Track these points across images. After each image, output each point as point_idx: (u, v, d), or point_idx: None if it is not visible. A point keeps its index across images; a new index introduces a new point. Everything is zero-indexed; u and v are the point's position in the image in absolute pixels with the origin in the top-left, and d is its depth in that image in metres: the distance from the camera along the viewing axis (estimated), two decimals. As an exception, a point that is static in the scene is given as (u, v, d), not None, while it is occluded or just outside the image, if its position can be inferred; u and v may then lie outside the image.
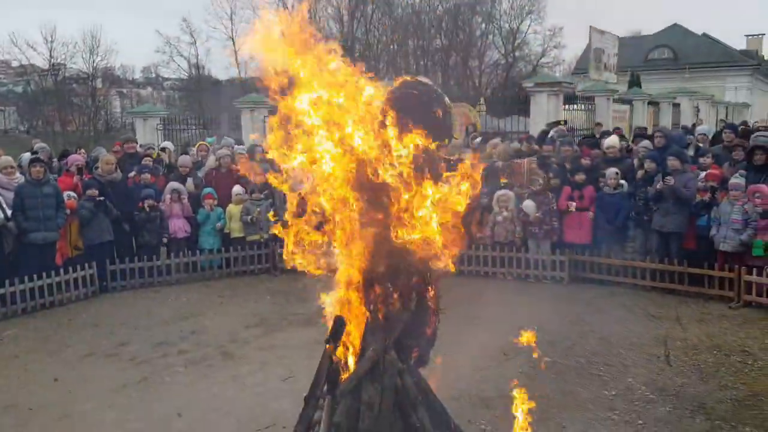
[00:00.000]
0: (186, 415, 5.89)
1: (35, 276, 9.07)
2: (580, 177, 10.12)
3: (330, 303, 4.15)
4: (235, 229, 11.07)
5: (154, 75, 55.23)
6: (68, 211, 9.58)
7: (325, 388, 3.86)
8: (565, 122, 15.10)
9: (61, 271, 9.45)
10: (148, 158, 11.26)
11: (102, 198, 9.80)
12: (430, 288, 4.21)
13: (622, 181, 9.98)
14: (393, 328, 3.94)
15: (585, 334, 7.93)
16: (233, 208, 11.08)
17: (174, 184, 10.92)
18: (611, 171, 9.84)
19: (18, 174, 9.49)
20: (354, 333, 4.03)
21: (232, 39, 43.30)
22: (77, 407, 6.11)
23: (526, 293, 9.81)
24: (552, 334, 7.90)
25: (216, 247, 11.04)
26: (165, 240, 10.59)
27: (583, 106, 19.90)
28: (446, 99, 4.32)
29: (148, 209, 10.31)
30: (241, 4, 41.76)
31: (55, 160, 11.25)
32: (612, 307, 9.00)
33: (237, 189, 11.08)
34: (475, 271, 10.63)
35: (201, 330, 8.40)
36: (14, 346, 7.88)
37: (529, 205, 9.94)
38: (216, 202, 11.06)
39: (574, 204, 9.91)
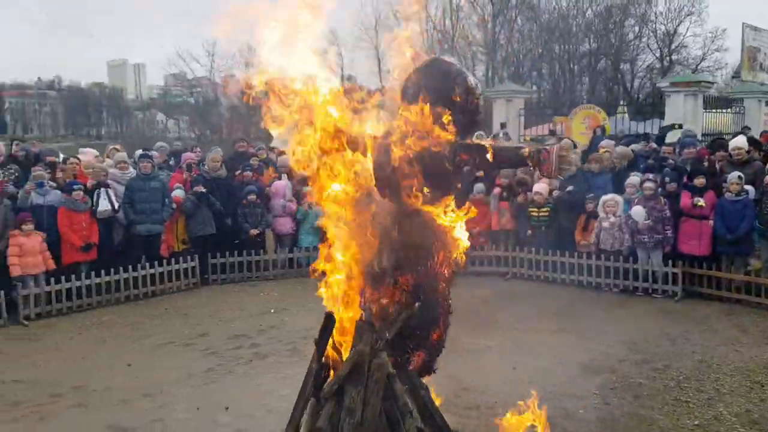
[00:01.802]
0: (233, 409, 5.88)
1: (139, 266, 9.60)
2: (699, 181, 9.11)
3: (326, 298, 3.90)
4: (333, 229, 11.09)
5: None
6: (174, 205, 10.08)
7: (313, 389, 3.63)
8: (680, 126, 13.73)
9: (165, 262, 9.94)
10: (256, 158, 11.60)
11: (204, 190, 10.20)
12: (438, 288, 3.85)
13: (748, 187, 8.82)
14: (388, 329, 3.62)
15: (684, 354, 7.06)
16: (332, 207, 11.10)
17: (278, 183, 11.16)
18: (733, 175, 8.73)
19: (131, 169, 10.12)
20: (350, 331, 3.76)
21: (376, 49, 44.01)
22: (137, 393, 6.31)
23: (630, 307, 8.97)
24: (646, 352, 7.15)
25: (315, 245, 11.13)
26: (257, 233, 10.76)
27: (731, 109, 18.01)
28: (470, 80, 3.95)
29: (249, 204, 10.62)
30: (385, 14, 42.14)
31: (171, 158, 11.93)
32: (725, 327, 7.97)
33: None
34: (577, 280, 9.90)
35: (280, 325, 8.46)
36: (105, 331, 8.37)
37: (638, 211, 9.09)
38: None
39: (701, 200, 8.88)
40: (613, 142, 11.32)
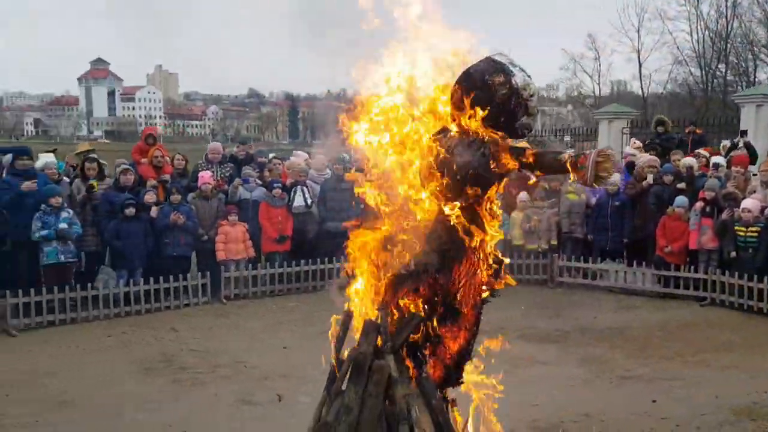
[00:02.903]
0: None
1: (326, 260, 10.40)
2: None
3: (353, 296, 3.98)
4: (516, 237, 10.87)
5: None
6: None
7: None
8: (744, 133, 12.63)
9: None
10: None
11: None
12: (462, 298, 3.71)
13: None
14: (398, 333, 3.60)
15: None
16: (517, 215, 10.89)
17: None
18: None
19: (327, 171, 11.00)
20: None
21: (638, 51, 41.21)
22: (277, 373, 6.92)
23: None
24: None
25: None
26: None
27: None
28: (515, 80, 3.74)
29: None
30: (649, 15, 39.09)
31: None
32: None
33: (523, 195, 10.86)
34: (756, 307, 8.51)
35: (435, 328, 8.56)
36: (286, 315, 9.25)
37: None
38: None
39: None
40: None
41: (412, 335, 3.65)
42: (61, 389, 6.57)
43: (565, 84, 48.34)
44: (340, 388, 3.61)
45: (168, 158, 10.69)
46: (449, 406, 3.93)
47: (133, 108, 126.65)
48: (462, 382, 3.94)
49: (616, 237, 10.39)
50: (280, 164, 11.08)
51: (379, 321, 3.64)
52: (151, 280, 9.39)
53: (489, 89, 3.70)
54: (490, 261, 3.83)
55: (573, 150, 3.50)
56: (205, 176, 10.19)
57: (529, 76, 3.84)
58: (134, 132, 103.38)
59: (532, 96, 3.79)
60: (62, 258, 8.83)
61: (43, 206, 8.74)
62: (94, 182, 9.81)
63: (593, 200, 10.67)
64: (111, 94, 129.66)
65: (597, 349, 7.66)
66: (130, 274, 9.44)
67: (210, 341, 8.16)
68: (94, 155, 10.58)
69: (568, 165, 3.51)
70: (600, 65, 45.14)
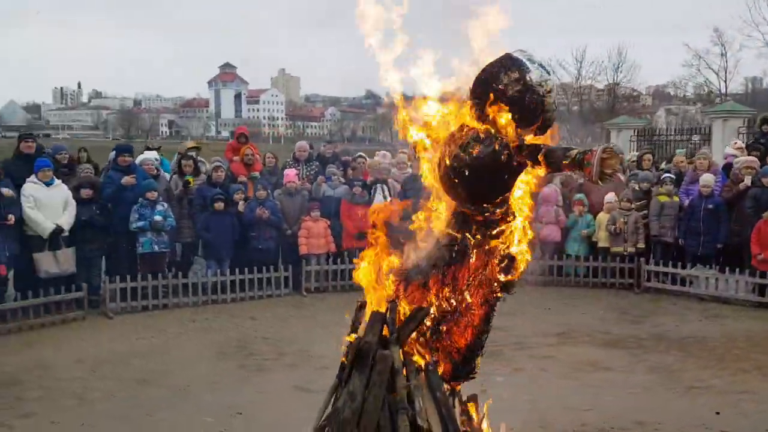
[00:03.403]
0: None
1: (405, 256, 10.54)
2: None
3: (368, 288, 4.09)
4: (602, 238, 10.53)
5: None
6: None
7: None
8: None
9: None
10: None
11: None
12: (470, 293, 3.74)
13: None
14: (404, 325, 3.68)
15: None
16: (603, 216, 10.55)
17: (549, 189, 11.03)
18: None
19: (409, 169, 11.14)
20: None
21: (769, 45, 38.15)
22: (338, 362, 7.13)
23: None
24: None
25: (582, 254, 10.71)
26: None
27: None
28: (530, 75, 3.72)
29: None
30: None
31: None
32: None
33: (609, 196, 10.51)
34: None
35: (505, 327, 8.48)
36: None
37: None
38: (586, 209, 10.73)
39: None
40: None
41: (419, 328, 3.72)
42: (142, 369, 7.13)
43: (691, 82, 45.67)
44: (345, 376, 3.75)
45: (258, 156, 11.24)
46: (460, 400, 3.98)
47: (258, 110, 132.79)
48: (473, 378, 3.95)
49: (708, 242, 9.81)
50: (364, 163, 11.33)
51: (386, 312, 3.74)
52: (237, 270, 9.92)
53: (502, 86, 3.72)
54: (502, 257, 3.81)
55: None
56: (290, 174, 10.63)
57: (548, 72, 3.82)
58: (258, 133, 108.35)
59: (549, 92, 3.76)
60: (156, 248, 9.52)
61: (140, 199, 9.47)
62: (190, 178, 10.50)
63: (686, 202, 10.14)
64: (237, 96, 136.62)
65: (669, 357, 7.31)
66: (218, 265, 10.03)
67: (283, 330, 8.53)
68: (192, 153, 11.29)
69: (576, 162, 3.46)
70: (727, 61, 42.36)
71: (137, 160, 10.34)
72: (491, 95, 3.74)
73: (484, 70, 3.82)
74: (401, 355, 3.67)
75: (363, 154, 11.88)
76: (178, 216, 10.11)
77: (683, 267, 9.89)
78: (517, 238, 3.88)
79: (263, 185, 10.29)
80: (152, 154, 11.23)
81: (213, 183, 10.33)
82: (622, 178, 11.07)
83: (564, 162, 3.57)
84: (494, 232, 3.81)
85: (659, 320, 8.83)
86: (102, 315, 9.08)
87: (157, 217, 9.42)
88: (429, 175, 3.95)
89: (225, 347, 7.85)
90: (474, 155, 3.69)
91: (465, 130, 3.80)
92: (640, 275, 10.21)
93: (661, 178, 10.52)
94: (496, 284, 3.82)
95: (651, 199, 10.36)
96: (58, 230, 8.88)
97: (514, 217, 3.90)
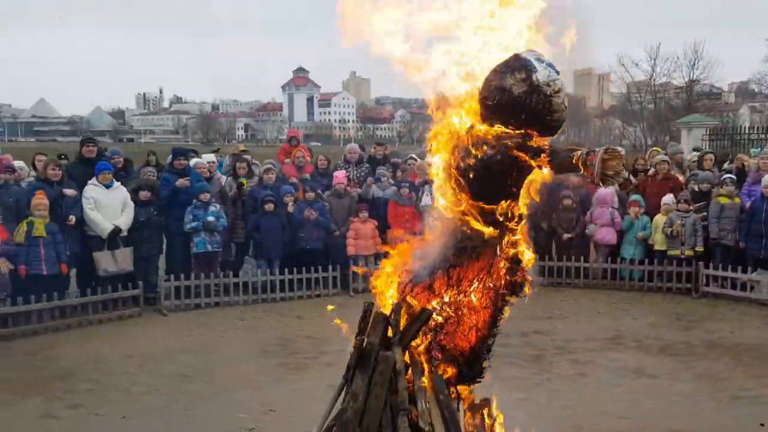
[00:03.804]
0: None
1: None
2: None
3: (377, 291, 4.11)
4: (659, 241, 10.16)
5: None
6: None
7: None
8: None
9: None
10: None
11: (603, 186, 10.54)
12: (474, 297, 3.70)
13: None
14: (408, 327, 3.69)
15: None
16: (659, 218, 10.18)
17: (604, 190, 10.73)
18: None
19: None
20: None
21: None
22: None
23: None
24: None
25: (638, 257, 10.37)
26: (569, 238, 10.54)
27: None
28: (536, 76, 3.66)
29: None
30: None
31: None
32: None
33: (667, 198, 10.13)
34: None
35: (549, 331, 8.33)
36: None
37: None
38: (642, 210, 10.38)
39: None
40: None
41: (423, 330, 3.71)
42: (187, 365, 7.38)
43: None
44: (348, 376, 3.78)
45: (309, 158, 11.42)
46: (470, 404, 3.94)
47: (329, 113, 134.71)
48: (479, 382, 3.90)
49: (772, 245, 9.32)
50: (413, 165, 11.34)
51: (391, 314, 3.75)
52: (286, 270, 10.12)
53: (507, 86, 3.67)
54: (509, 260, 3.76)
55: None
56: (339, 176, 10.75)
57: (557, 72, 3.73)
58: (329, 135, 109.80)
59: (557, 92, 3.68)
60: (209, 248, 9.82)
61: (194, 201, 9.80)
62: (243, 180, 10.79)
63: (747, 204, 9.67)
64: (310, 100, 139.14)
65: (718, 365, 7.00)
66: (267, 264, 10.26)
67: (326, 329, 8.58)
68: (247, 156, 11.59)
69: (579, 163, 3.39)
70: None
71: (191, 163, 10.70)
72: (496, 98, 3.71)
73: (492, 71, 3.79)
74: (404, 357, 3.68)
75: (414, 156, 11.89)
76: (232, 217, 10.41)
77: (744, 271, 9.42)
78: (523, 240, 3.83)
79: (312, 187, 10.45)
80: (208, 157, 11.59)
81: (264, 185, 10.58)
82: (681, 178, 10.66)
83: (568, 163, 3.50)
84: (501, 234, 3.76)
85: (714, 326, 8.46)
86: (157, 312, 9.44)
87: (210, 218, 9.71)
88: (439, 175, 3.93)
89: (268, 345, 8.03)
90: (480, 157, 3.66)
91: (473, 131, 3.78)
92: (698, 279, 9.81)
93: (722, 178, 10.06)
94: (502, 287, 3.78)
95: (711, 201, 9.92)
96: (117, 230, 9.29)
97: (522, 219, 3.85)
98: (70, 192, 9.09)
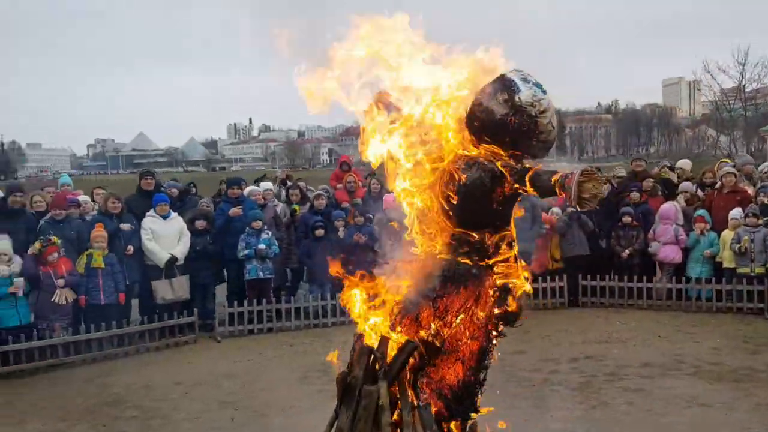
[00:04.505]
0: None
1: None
2: None
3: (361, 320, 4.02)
4: (727, 258, 9.54)
5: None
6: (546, 225, 10.36)
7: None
8: None
9: (533, 280, 10.30)
10: (650, 179, 10.83)
11: (580, 210, 10.17)
12: (461, 329, 3.56)
13: None
14: (394, 359, 3.59)
15: None
16: (727, 234, 9.56)
17: (668, 206, 10.22)
18: None
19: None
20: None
21: None
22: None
23: None
24: None
25: (705, 276, 9.76)
26: (628, 255, 10.05)
27: None
28: (519, 96, 3.53)
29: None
30: None
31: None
32: None
33: (734, 212, 9.52)
34: None
35: (601, 356, 7.94)
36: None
37: None
38: (709, 226, 9.78)
39: None
40: None
41: (408, 363, 3.60)
42: (230, 390, 7.49)
43: None
44: (337, 409, 3.71)
45: (361, 183, 11.46)
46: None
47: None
48: (469, 417, 3.72)
49: None
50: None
51: (378, 346, 3.66)
52: (337, 295, 10.14)
53: (491, 107, 3.57)
54: (496, 288, 3.60)
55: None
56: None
57: (543, 92, 3.60)
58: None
59: (543, 112, 3.56)
60: (261, 274, 10.00)
61: (247, 228, 10.02)
62: (296, 207, 10.96)
63: (825, 217, 8.95)
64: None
65: (784, 394, 6.44)
66: (320, 289, 10.32)
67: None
68: (301, 183, 11.77)
69: (557, 187, 3.23)
70: None
71: (245, 192, 10.95)
72: (481, 120, 3.61)
73: (478, 92, 3.69)
74: (392, 390, 3.58)
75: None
76: (287, 243, 10.57)
77: (823, 290, 8.70)
78: (515, 268, 3.66)
79: (361, 211, 10.47)
80: (264, 185, 11.85)
81: (315, 210, 10.69)
82: (751, 191, 9.99)
83: (550, 186, 3.34)
84: (489, 262, 3.62)
85: (787, 351, 7.82)
86: (211, 338, 9.66)
87: (261, 246, 9.89)
88: (425, 199, 3.83)
89: (310, 371, 8.03)
90: (462, 182, 3.56)
91: (458, 155, 3.68)
92: (770, 299, 9.13)
93: (795, 190, 9.38)
94: (490, 317, 3.62)
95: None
96: (173, 259, 9.62)
97: (512, 246, 3.69)
98: (126, 227, 9.48)
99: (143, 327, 9.21)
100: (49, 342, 8.42)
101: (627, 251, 10.05)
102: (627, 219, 10.06)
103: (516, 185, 3.45)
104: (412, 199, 3.80)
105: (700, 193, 10.50)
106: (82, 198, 10.38)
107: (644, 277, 10.05)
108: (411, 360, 3.58)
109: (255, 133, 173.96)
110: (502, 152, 3.57)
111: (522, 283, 3.67)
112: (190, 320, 9.59)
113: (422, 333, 3.61)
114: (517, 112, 3.50)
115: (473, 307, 3.57)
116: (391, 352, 3.62)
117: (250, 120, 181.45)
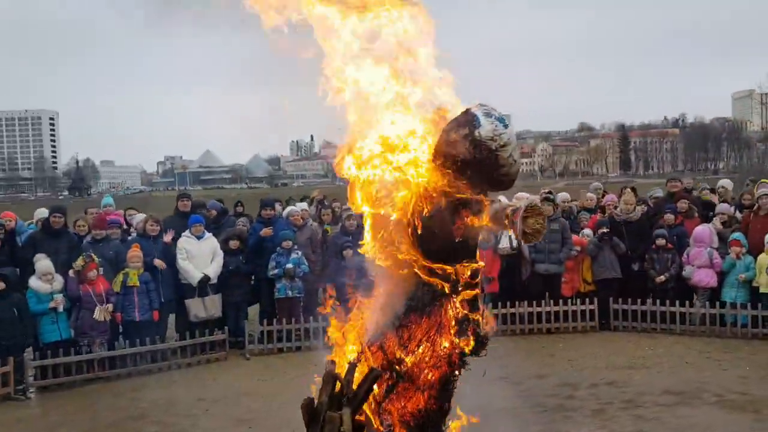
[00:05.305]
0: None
1: (535, 303, 10.14)
2: None
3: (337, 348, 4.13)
4: (763, 284, 9.20)
5: None
6: (578, 248, 10.24)
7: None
8: None
9: (564, 302, 10.19)
10: (685, 201, 10.55)
11: (607, 230, 10.03)
12: (421, 357, 3.64)
13: None
14: (358, 387, 3.68)
15: None
16: (764, 258, 9.22)
17: (702, 229, 9.94)
18: None
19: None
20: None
21: None
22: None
23: None
24: None
25: (740, 301, 9.43)
26: (663, 280, 9.81)
27: None
28: (479, 131, 3.61)
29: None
30: None
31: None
32: None
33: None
34: None
35: (621, 382, 7.78)
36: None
37: None
38: (745, 250, 9.47)
39: None
40: None
41: (372, 391, 3.69)
42: (249, 408, 7.70)
43: None
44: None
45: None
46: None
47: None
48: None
49: None
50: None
51: (345, 373, 3.76)
52: (364, 316, 10.27)
53: (452, 141, 3.66)
54: (458, 319, 3.66)
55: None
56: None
57: (505, 126, 3.66)
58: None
59: (503, 146, 3.63)
60: (290, 293, 10.23)
61: (278, 248, 10.28)
62: (327, 227, 11.17)
63: None
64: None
65: (804, 427, 6.18)
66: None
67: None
68: (336, 203, 11.96)
69: (506, 220, 3.29)
70: None
71: (284, 213, 11.21)
72: (444, 153, 3.70)
73: (445, 126, 3.79)
74: (356, 417, 3.67)
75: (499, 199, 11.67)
76: (321, 263, 10.78)
77: None
78: (478, 300, 3.72)
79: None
80: (302, 205, 12.11)
81: (345, 231, 10.86)
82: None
83: (502, 219, 3.40)
84: (453, 293, 3.69)
85: (821, 381, 7.49)
86: (241, 356, 9.92)
87: (289, 265, 10.12)
88: (395, 231, 3.93)
89: (330, 391, 8.16)
90: (424, 215, 3.65)
91: (423, 187, 3.77)
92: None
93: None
94: (451, 347, 3.68)
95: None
96: (206, 279, 9.94)
97: (476, 276, 3.75)
98: (167, 239, 9.91)
99: (175, 344, 9.55)
100: (86, 357, 8.83)
101: (662, 277, 9.81)
102: (661, 242, 9.82)
103: (475, 217, 3.51)
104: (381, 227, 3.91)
105: (738, 215, 10.17)
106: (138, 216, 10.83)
107: (676, 302, 9.79)
108: (375, 388, 3.66)
109: (316, 149, 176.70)
110: (464, 185, 3.64)
111: (484, 315, 3.71)
112: (221, 337, 9.88)
113: (386, 361, 3.69)
114: (477, 146, 3.57)
115: (436, 337, 3.63)
116: (359, 378, 3.72)
117: (312, 137, 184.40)
